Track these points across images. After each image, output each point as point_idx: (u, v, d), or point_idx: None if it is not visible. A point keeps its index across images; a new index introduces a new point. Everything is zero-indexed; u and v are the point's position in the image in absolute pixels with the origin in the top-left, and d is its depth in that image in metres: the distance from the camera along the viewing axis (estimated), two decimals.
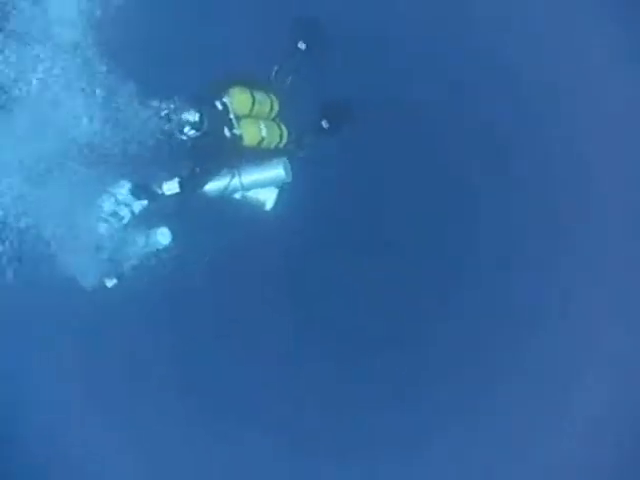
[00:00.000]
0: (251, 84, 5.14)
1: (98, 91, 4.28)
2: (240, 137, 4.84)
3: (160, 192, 4.59)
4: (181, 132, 4.51)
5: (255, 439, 6.64)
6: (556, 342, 6.64)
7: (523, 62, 6.41)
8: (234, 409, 6.61)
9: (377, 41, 6.23)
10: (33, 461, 6.12)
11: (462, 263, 6.72)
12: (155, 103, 4.50)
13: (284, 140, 5.30)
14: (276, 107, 5.25)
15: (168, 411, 6.47)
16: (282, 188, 5.20)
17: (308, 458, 6.71)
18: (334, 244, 6.30)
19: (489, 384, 6.64)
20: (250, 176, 4.97)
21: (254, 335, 6.17)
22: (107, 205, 4.40)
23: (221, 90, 4.91)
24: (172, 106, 4.56)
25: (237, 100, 4.87)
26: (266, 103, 5.13)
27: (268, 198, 5.24)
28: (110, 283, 4.43)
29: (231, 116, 4.82)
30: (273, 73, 5.44)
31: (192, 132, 4.54)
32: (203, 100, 4.74)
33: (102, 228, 4.39)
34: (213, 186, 4.89)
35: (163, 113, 4.53)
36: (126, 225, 4.47)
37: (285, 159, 5.16)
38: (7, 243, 3.82)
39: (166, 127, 4.54)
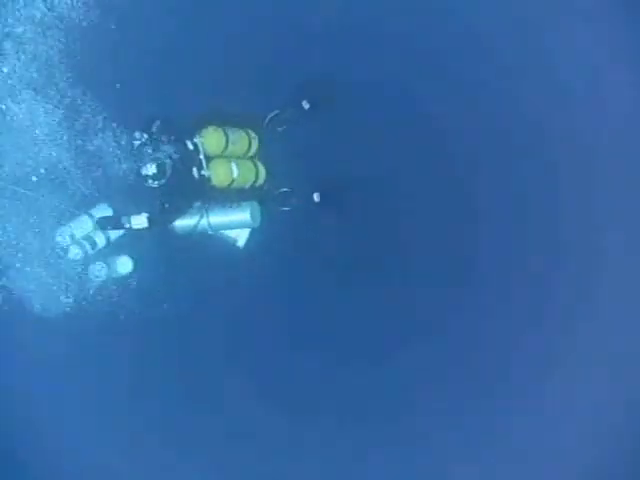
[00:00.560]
0: (235, 121, 5.16)
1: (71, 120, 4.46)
2: (208, 178, 4.90)
3: (128, 225, 4.73)
4: (145, 182, 4.61)
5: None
6: (556, 342, 6.44)
7: (523, 62, 6.15)
8: None
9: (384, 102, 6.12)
10: None
11: (458, 268, 6.52)
12: (128, 135, 4.65)
13: (261, 179, 5.30)
14: (255, 146, 5.24)
15: None
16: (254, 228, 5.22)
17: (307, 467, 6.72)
18: (309, 281, 6.25)
19: (489, 384, 6.49)
20: (217, 217, 5.00)
21: (215, 374, 6.20)
22: (67, 234, 4.59)
23: (199, 127, 4.97)
24: (144, 139, 4.66)
25: (209, 140, 4.88)
26: (243, 142, 5.11)
27: (240, 235, 5.29)
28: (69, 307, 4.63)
29: (201, 156, 4.88)
30: (268, 117, 5.45)
31: (155, 183, 4.63)
32: (177, 137, 4.82)
33: (62, 255, 4.59)
34: (182, 223, 4.99)
35: (135, 146, 4.66)
36: (86, 253, 4.65)
37: (254, 203, 5.12)
38: None
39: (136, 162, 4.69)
